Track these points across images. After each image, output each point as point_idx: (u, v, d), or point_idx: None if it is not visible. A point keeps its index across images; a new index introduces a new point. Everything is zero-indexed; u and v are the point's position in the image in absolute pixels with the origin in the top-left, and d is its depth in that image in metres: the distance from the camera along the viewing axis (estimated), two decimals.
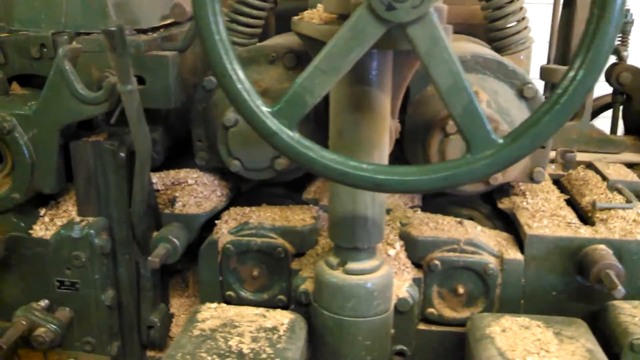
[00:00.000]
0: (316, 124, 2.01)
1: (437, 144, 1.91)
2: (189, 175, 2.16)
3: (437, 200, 2.24)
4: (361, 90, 1.66)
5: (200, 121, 2.13)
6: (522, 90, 1.96)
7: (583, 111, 2.44)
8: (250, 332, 1.77)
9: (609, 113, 2.91)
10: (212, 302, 2.04)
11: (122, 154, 1.93)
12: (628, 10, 2.61)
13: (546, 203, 2.09)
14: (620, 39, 2.61)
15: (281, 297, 2.06)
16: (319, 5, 2.00)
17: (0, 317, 2.02)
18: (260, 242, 2.02)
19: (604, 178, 2.20)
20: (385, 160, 1.76)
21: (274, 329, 1.79)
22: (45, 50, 1.99)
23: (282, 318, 1.85)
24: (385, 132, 1.72)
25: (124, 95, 1.71)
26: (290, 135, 1.47)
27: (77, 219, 1.97)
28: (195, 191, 2.12)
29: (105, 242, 1.95)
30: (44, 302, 1.97)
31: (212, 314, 1.86)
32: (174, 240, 1.97)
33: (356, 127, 1.68)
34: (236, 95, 1.45)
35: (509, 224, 2.16)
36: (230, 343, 1.72)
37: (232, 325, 1.80)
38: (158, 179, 2.13)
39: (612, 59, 2.63)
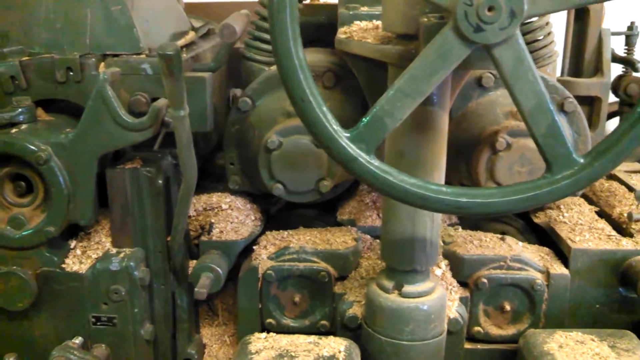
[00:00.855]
0: None
1: (485, 162, 1.90)
2: (222, 200, 2.09)
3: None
4: (424, 110, 1.63)
5: (233, 144, 2.07)
6: (562, 105, 1.98)
7: (598, 121, 2.48)
8: None
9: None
10: (251, 330, 1.98)
11: (160, 181, 1.85)
12: (633, 23, 2.68)
13: (581, 216, 2.11)
14: (626, 51, 2.67)
15: (324, 322, 2.01)
16: (355, 22, 1.99)
17: (27, 358, 1.89)
18: (302, 266, 1.96)
19: (630, 189, 2.24)
20: (442, 181, 1.74)
21: (332, 357, 1.74)
22: (71, 73, 1.88)
23: (336, 345, 1.80)
24: (444, 152, 1.70)
25: (176, 120, 1.63)
26: (369, 160, 1.43)
27: (113, 250, 1.87)
28: (230, 216, 2.05)
29: (145, 273, 1.86)
30: (78, 340, 1.86)
31: (264, 344, 1.79)
32: (217, 268, 1.90)
33: (418, 148, 1.65)
34: (315, 120, 1.41)
35: (541, 238, 2.17)
36: None
37: (288, 355, 1.74)
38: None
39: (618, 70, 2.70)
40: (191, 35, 2.40)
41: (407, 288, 1.77)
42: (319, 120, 1.41)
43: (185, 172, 1.72)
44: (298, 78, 1.39)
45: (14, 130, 1.75)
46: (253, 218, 2.10)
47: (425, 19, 1.49)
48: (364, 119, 1.43)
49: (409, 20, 1.55)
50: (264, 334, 1.85)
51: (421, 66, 1.38)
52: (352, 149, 1.42)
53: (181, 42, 2.20)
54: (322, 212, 2.24)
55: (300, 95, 1.40)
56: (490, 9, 1.30)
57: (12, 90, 1.92)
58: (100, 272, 1.82)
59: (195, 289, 1.83)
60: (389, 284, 1.80)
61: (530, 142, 1.82)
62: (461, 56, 1.37)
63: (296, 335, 1.84)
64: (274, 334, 1.85)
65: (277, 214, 2.26)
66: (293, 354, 1.75)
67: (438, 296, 1.80)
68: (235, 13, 1.87)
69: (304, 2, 2.37)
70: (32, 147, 1.71)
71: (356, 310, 1.91)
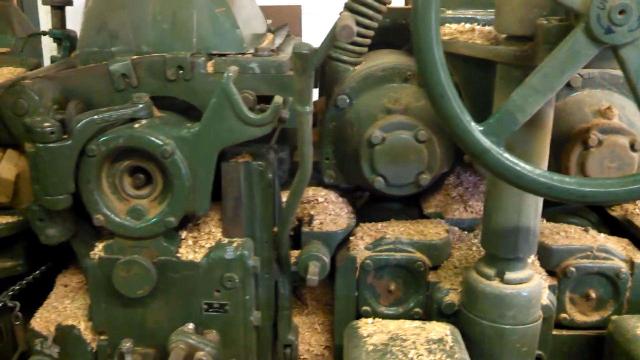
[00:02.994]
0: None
1: (576, 157, 2.01)
2: (318, 193, 2.18)
3: (547, 210, 2.34)
4: None
5: (329, 140, 2.16)
6: None
7: None
8: (421, 344, 1.82)
9: None
10: (347, 317, 2.09)
11: (270, 175, 1.94)
12: None
13: None
14: None
15: (417, 309, 2.11)
16: (447, 25, 2.09)
17: (142, 343, 1.97)
18: (399, 256, 2.06)
19: None
20: None
21: (441, 340, 1.84)
22: (181, 72, 1.97)
23: (441, 329, 1.90)
24: (548, 145, 1.80)
25: (302, 116, 1.72)
26: (500, 152, 1.53)
27: (225, 240, 1.96)
28: (327, 209, 2.14)
29: (257, 262, 1.94)
30: (191, 326, 1.94)
31: (374, 328, 1.90)
32: (323, 257, 1.99)
33: (527, 142, 1.75)
34: (452, 114, 1.51)
35: (616, 231, 2.28)
36: (410, 356, 1.76)
37: (400, 338, 1.84)
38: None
39: None
40: (270, 37, 2.50)
41: (509, 275, 1.87)
42: (455, 114, 1.51)
43: (303, 166, 1.81)
44: (439, 75, 1.49)
45: (137, 125, 1.83)
46: (347, 211, 2.19)
47: (545, 21, 1.60)
48: (495, 113, 1.54)
49: (525, 23, 1.65)
50: (370, 319, 1.94)
51: (552, 64, 1.49)
52: (485, 142, 1.52)
53: (266, 43, 2.30)
54: (406, 205, 2.33)
55: (440, 92, 1.50)
56: (621, 12, 1.42)
57: (123, 87, 2.00)
58: (215, 260, 1.90)
59: (308, 277, 1.92)
60: (490, 271, 1.90)
61: (620, 139, 1.95)
62: (590, 56, 1.48)
63: (401, 321, 1.94)
64: (379, 319, 1.94)
65: (361, 208, 2.35)
66: (404, 337, 1.85)
67: (536, 283, 1.90)
68: (345, 13, 1.96)
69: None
70: (158, 141, 1.79)
71: (453, 297, 2.01)
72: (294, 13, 4.91)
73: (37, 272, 2.11)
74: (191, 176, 1.84)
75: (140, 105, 1.87)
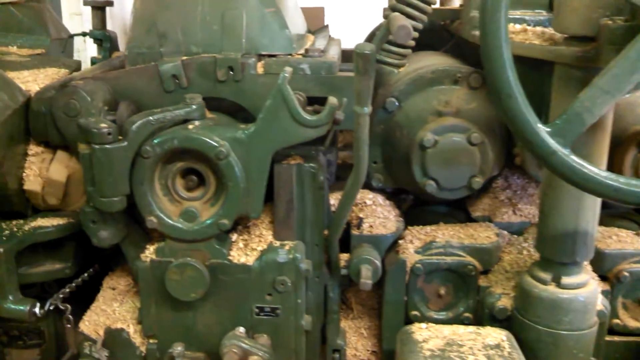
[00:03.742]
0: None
1: (631, 159, 1.98)
2: (365, 196, 2.16)
3: None
4: None
5: (377, 142, 2.14)
6: None
7: None
8: (479, 349, 1.79)
9: None
10: (396, 322, 2.07)
11: (321, 177, 1.92)
12: None
13: None
14: None
15: (467, 314, 2.08)
16: None
17: (192, 347, 1.96)
18: (450, 260, 2.04)
19: None
20: None
21: (498, 346, 1.82)
22: (231, 73, 1.96)
23: (496, 335, 1.87)
24: (608, 147, 1.78)
25: (360, 117, 1.71)
26: (567, 154, 1.51)
27: (276, 243, 1.94)
28: (375, 212, 2.12)
29: (309, 265, 1.93)
30: (242, 329, 1.92)
31: (429, 333, 1.87)
32: (375, 261, 1.97)
33: (588, 143, 1.72)
34: (519, 115, 1.50)
35: None
36: None
37: (457, 344, 1.81)
38: (335, 200, 2.12)
39: None
40: (311, 37, 2.49)
41: (566, 280, 1.85)
42: (522, 115, 1.49)
43: (359, 168, 1.80)
44: (507, 75, 1.47)
45: (191, 126, 1.82)
46: (394, 214, 2.17)
47: (610, 22, 1.58)
48: (562, 114, 1.52)
49: (587, 23, 1.63)
50: (423, 324, 1.92)
51: (622, 65, 1.47)
52: (552, 144, 1.50)
53: (309, 43, 2.29)
54: (453, 208, 2.31)
55: (508, 92, 1.48)
56: None
57: (173, 88, 2.00)
58: (268, 263, 1.88)
59: (361, 281, 1.90)
60: (545, 275, 1.87)
61: None
62: None
63: (455, 326, 1.92)
64: (432, 324, 1.92)
65: (407, 211, 2.33)
66: (460, 342, 1.82)
67: (593, 288, 1.88)
68: (396, 14, 1.95)
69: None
70: (213, 143, 1.77)
71: (505, 302, 1.99)
72: (318, 15, 4.91)
73: (86, 274, 2.10)
74: (245, 178, 1.82)
75: (194, 106, 1.86)
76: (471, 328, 1.90)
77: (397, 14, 1.96)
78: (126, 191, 1.80)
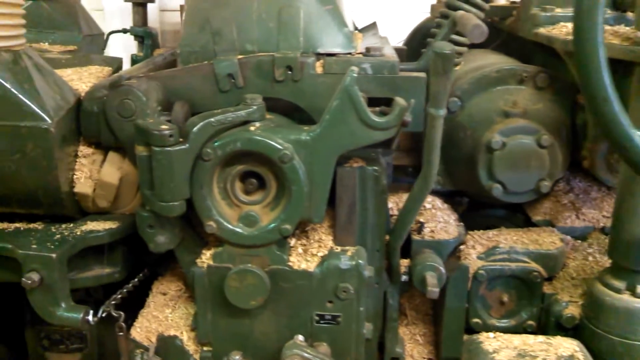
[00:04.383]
0: None
1: None
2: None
3: None
4: None
5: None
6: None
7: None
8: None
9: None
10: (456, 330, 2.00)
11: (384, 180, 1.85)
12: None
13: None
14: None
15: (530, 322, 2.02)
16: (561, 23, 2.00)
17: (248, 355, 1.89)
18: (514, 266, 1.97)
19: None
20: None
21: (572, 357, 1.75)
22: (290, 72, 1.89)
23: (568, 345, 1.80)
24: None
25: (434, 119, 1.64)
26: None
27: (337, 248, 1.87)
28: (435, 216, 2.05)
29: (371, 272, 1.85)
30: (301, 338, 1.86)
31: (499, 344, 1.80)
32: (440, 268, 1.90)
33: None
34: (614, 119, 1.42)
35: None
36: None
37: (529, 355, 1.75)
38: (394, 204, 2.05)
39: None
40: (360, 35, 2.41)
41: None
42: (617, 119, 1.42)
43: (429, 171, 1.73)
44: (603, 78, 1.40)
45: (252, 128, 1.75)
46: (454, 218, 2.10)
47: None
48: None
49: None
50: (491, 334, 1.85)
51: None
52: None
53: (361, 42, 2.22)
54: (511, 212, 2.24)
55: (603, 95, 1.41)
56: None
57: (228, 88, 1.93)
58: (330, 270, 1.81)
59: (429, 289, 1.83)
60: (619, 283, 1.80)
61: None
62: None
63: (524, 335, 1.85)
64: (501, 334, 1.85)
65: (463, 214, 2.25)
66: (532, 353, 1.75)
67: None
68: (467, 14, 1.87)
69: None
70: (278, 145, 1.70)
71: (573, 310, 1.92)
72: None
73: (136, 279, 2.03)
74: (309, 182, 1.75)
75: (255, 107, 1.78)
76: (541, 338, 1.83)
77: (466, 13, 1.88)
78: (186, 195, 1.73)
